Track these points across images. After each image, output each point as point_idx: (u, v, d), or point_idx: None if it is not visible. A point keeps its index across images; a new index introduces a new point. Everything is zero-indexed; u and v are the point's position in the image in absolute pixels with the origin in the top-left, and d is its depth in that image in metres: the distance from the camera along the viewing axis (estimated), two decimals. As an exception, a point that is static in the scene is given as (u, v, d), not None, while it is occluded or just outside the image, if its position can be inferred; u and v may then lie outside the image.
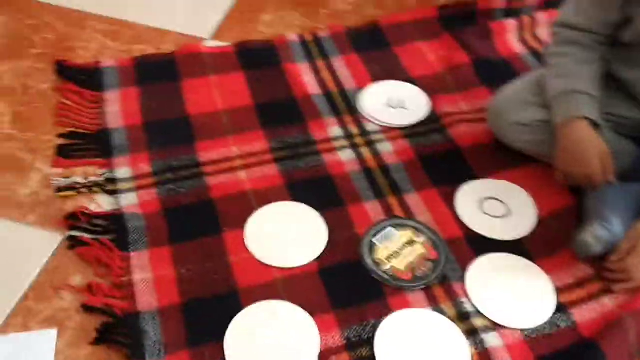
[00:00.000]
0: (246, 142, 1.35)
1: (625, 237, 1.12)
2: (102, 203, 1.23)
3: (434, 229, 1.21)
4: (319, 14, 1.76)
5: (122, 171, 1.28)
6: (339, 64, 1.57)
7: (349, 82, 1.52)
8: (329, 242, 1.18)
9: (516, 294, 1.11)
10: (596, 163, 1.12)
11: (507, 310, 1.09)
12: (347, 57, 1.59)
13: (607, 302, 1.10)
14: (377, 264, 1.14)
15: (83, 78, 1.48)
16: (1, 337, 1.03)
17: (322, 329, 1.04)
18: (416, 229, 1.20)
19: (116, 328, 1.03)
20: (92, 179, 1.27)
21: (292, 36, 1.64)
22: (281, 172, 1.30)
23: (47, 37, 1.61)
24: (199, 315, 1.05)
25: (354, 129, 1.40)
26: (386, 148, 1.36)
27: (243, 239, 1.17)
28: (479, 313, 1.08)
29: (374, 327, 1.05)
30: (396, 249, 1.17)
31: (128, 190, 1.24)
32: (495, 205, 1.25)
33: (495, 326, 1.06)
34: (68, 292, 1.09)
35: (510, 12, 1.72)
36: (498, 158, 1.33)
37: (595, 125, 1.14)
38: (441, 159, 1.34)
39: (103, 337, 1.02)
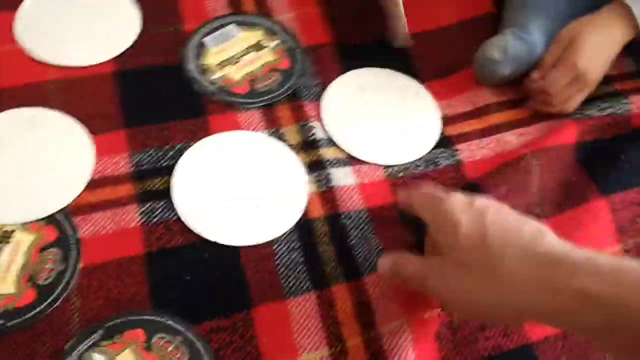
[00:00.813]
0: None
1: (551, 44, 0.82)
2: None
3: (292, 31, 0.88)
4: None
5: None
6: None
7: None
8: (139, 37, 0.84)
9: (388, 122, 0.82)
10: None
11: (370, 141, 0.79)
12: None
13: (510, 138, 0.82)
14: (204, 70, 0.82)
15: None
16: None
17: (102, 150, 0.73)
18: (269, 30, 0.87)
19: None
20: None
21: None
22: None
23: None
24: None
25: None
26: None
27: (11, 25, 0.82)
28: (331, 142, 0.78)
29: (180, 153, 0.75)
30: (234, 54, 0.84)
31: None
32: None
33: (351, 160, 0.77)
34: None
35: None
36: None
37: None
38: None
39: None
